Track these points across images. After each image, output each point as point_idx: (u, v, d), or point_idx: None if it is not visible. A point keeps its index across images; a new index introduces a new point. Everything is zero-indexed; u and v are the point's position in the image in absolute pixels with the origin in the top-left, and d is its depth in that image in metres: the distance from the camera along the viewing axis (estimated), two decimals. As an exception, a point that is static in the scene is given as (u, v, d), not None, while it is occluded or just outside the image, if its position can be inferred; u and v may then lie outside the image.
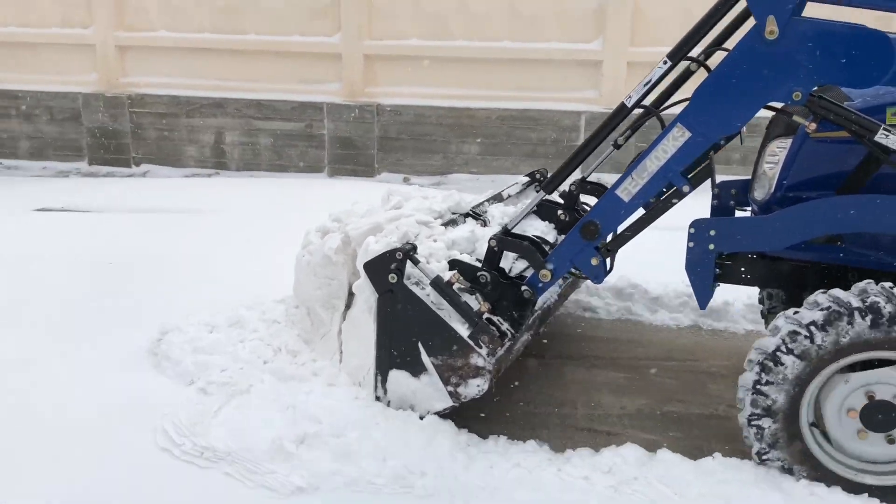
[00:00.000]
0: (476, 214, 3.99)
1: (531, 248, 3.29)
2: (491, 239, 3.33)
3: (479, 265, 3.32)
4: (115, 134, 8.79)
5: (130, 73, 8.70)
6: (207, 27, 8.49)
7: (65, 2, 8.65)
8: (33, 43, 8.79)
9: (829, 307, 2.73)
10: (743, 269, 3.29)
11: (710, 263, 3.05)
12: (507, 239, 3.34)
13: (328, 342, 3.66)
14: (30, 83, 8.84)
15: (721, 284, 3.34)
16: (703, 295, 3.11)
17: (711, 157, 3.23)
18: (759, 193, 3.21)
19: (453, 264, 3.35)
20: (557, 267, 3.22)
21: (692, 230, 3.05)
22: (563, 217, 3.96)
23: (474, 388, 3.21)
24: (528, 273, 3.30)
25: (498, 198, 4.25)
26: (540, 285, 3.24)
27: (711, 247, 3.03)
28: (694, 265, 3.07)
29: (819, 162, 3.04)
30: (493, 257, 3.34)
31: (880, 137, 2.70)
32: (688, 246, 3.06)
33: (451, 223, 3.85)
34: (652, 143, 2.99)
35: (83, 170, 8.79)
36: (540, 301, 3.57)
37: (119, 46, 8.62)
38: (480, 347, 3.15)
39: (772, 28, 2.67)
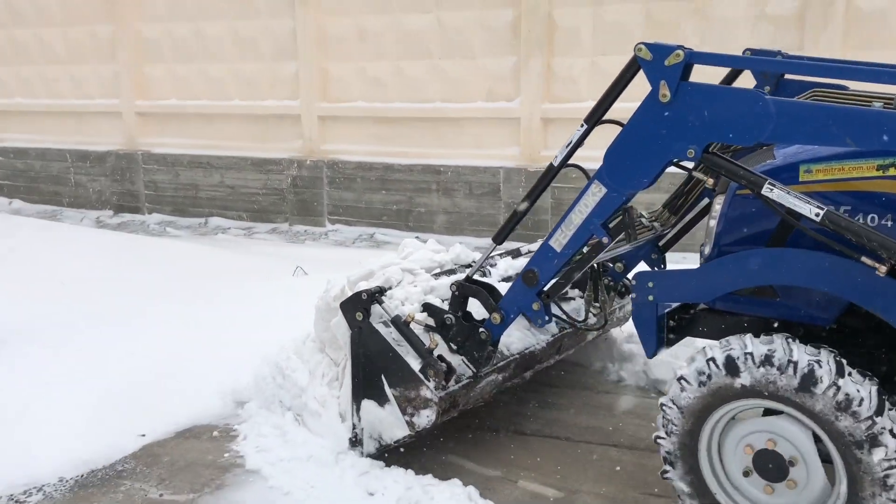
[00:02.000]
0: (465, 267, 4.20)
1: (484, 293, 3.58)
2: (452, 285, 3.66)
3: (460, 314, 3.63)
4: (534, 210, 8.37)
5: (552, 146, 8.39)
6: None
7: (491, 76, 8.61)
8: (458, 118, 8.87)
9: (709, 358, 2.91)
10: (698, 323, 3.40)
11: (651, 313, 3.20)
12: (465, 285, 3.63)
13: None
14: (452, 158, 8.92)
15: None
16: (648, 344, 3.26)
17: (628, 209, 3.44)
18: (706, 248, 3.30)
19: (425, 307, 3.70)
20: (507, 310, 3.51)
21: (634, 282, 3.21)
22: None
23: (425, 418, 3.50)
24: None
25: (516, 253, 4.53)
26: (495, 327, 3.53)
27: (651, 298, 3.17)
28: (637, 316, 3.23)
29: (747, 217, 3.14)
30: (455, 302, 3.65)
31: (766, 191, 2.80)
32: (631, 297, 3.26)
33: (450, 272, 4.09)
34: (576, 198, 3.20)
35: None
36: (520, 346, 3.94)
37: (544, 119, 8.35)
38: (428, 381, 3.45)
39: (664, 92, 2.89)
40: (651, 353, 3.30)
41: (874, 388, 2.66)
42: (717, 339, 3.07)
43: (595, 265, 3.93)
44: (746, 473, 2.98)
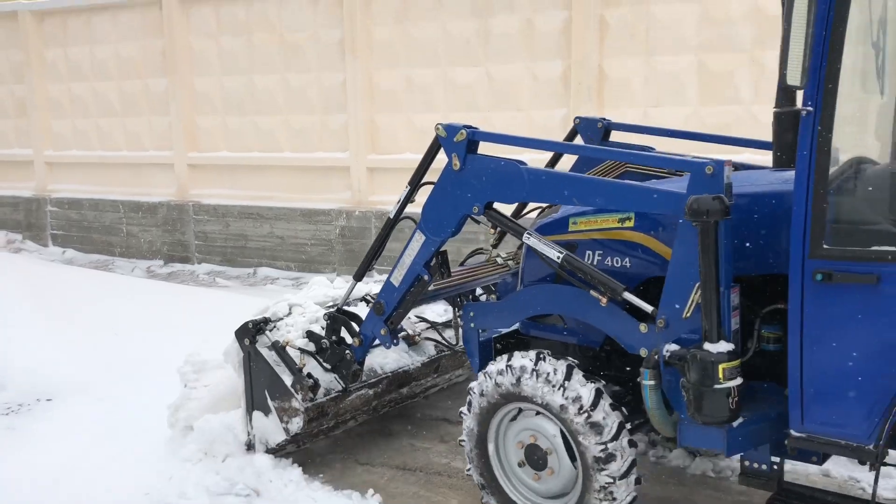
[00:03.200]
0: (370, 299, 4.70)
1: (347, 321, 4.37)
2: (324, 315, 4.46)
3: (337, 338, 4.39)
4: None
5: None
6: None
7: (539, 127, 8.57)
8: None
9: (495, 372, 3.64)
10: (516, 347, 3.94)
11: (475, 338, 4.02)
12: (334, 314, 4.40)
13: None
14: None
15: None
16: (474, 363, 4.04)
17: (443, 252, 4.07)
18: (520, 286, 4.05)
19: (308, 334, 4.45)
20: (364, 335, 4.27)
21: (462, 311, 4.07)
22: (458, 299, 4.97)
23: (295, 425, 4.24)
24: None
25: None
26: (357, 349, 4.30)
27: (473, 325, 4.01)
28: (465, 340, 4.10)
29: (538, 261, 3.81)
30: (329, 329, 4.40)
31: (525, 239, 3.64)
32: (462, 324, 4.11)
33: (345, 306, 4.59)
34: (406, 243, 4.02)
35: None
36: (395, 366, 4.71)
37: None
38: (297, 394, 4.21)
39: (455, 162, 3.78)
40: (477, 371, 3.96)
41: (593, 388, 3.43)
42: None
43: (457, 296, 4.87)
44: (521, 464, 3.76)
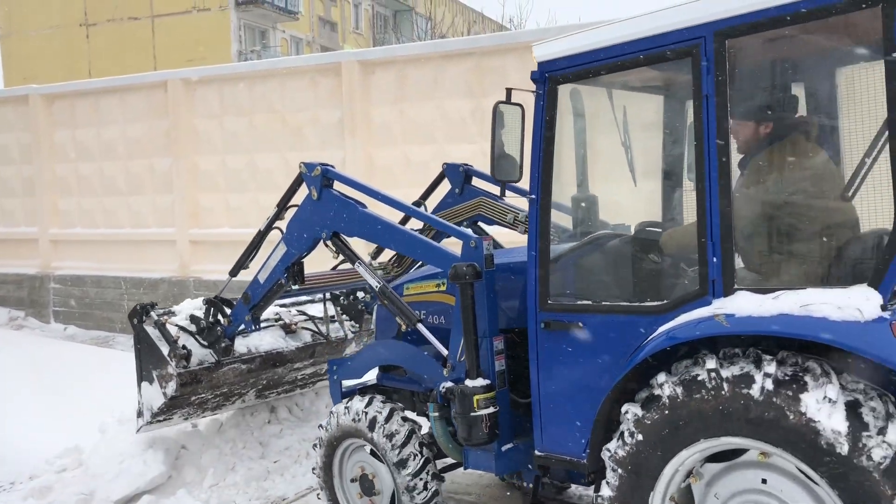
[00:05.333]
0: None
1: (221, 306, 5.20)
2: (203, 301, 5.31)
3: (213, 320, 5.21)
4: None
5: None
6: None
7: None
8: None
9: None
10: (380, 393, 4.55)
11: (338, 388, 4.73)
12: (212, 300, 5.25)
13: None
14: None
15: None
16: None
17: (301, 263, 4.76)
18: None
19: (191, 317, 5.28)
20: (234, 318, 5.12)
21: (328, 366, 4.83)
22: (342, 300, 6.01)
23: (171, 388, 4.99)
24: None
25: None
26: (227, 328, 5.14)
27: (336, 377, 4.74)
28: (331, 390, 4.80)
29: (385, 319, 4.70)
30: (208, 312, 5.23)
31: (357, 266, 4.46)
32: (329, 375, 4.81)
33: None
34: (272, 250, 4.78)
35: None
36: (268, 347, 5.46)
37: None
38: (172, 360, 4.97)
39: (314, 193, 4.52)
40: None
41: (408, 429, 4.12)
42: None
43: (339, 295, 5.89)
44: (354, 484, 4.41)
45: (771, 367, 2.76)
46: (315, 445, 4.60)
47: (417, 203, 5.50)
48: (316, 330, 5.80)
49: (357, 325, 6.01)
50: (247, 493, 5.20)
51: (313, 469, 4.65)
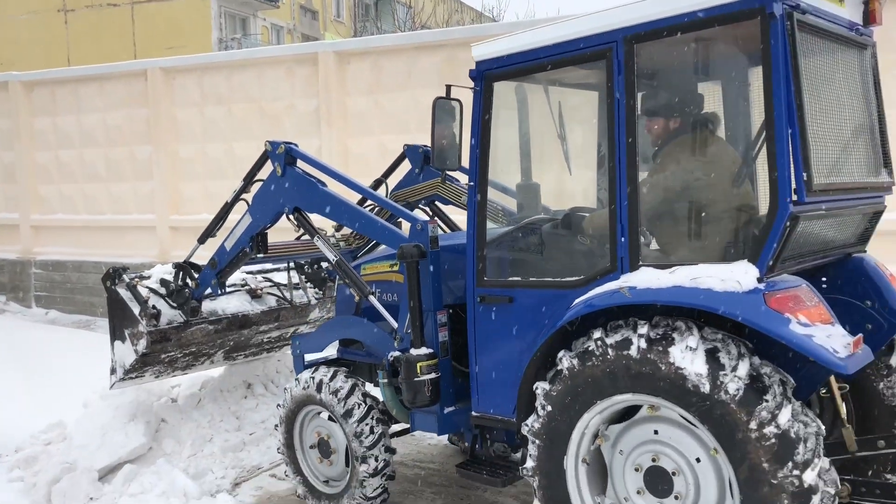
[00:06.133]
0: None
1: (189, 270, 5.55)
2: (173, 265, 5.63)
3: (182, 283, 5.53)
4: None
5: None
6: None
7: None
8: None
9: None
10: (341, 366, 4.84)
11: (301, 362, 5.11)
12: (181, 264, 5.59)
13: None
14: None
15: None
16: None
17: (265, 233, 5.12)
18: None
19: (161, 281, 5.57)
20: (201, 281, 5.46)
21: (291, 342, 5.25)
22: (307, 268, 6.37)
23: (142, 346, 5.31)
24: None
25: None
26: (195, 290, 5.50)
27: (299, 351, 5.13)
28: (294, 364, 5.19)
29: (344, 295, 5.08)
30: (177, 276, 5.56)
31: (315, 240, 4.86)
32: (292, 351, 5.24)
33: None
34: (238, 220, 5.14)
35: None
36: (234, 310, 5.81)
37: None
38: (142, 319, 5.31)
39: (278, 169, 4.83)
40: None
41: (367, 405, 4.49)
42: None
43: (304, 263, 6.24)
44: (313, 449, 4.76)
45: (644, 329, 3.16)
46: (276, 426, 4.97)
47: (378, 182, 5.80)
48: (280, 295, 6.15)
49: (320, 292, 6.36)
50: (223, 462, 5.50)
51: (278, 449, 5.00)
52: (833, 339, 2.93)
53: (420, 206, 5.75)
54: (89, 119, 11.94)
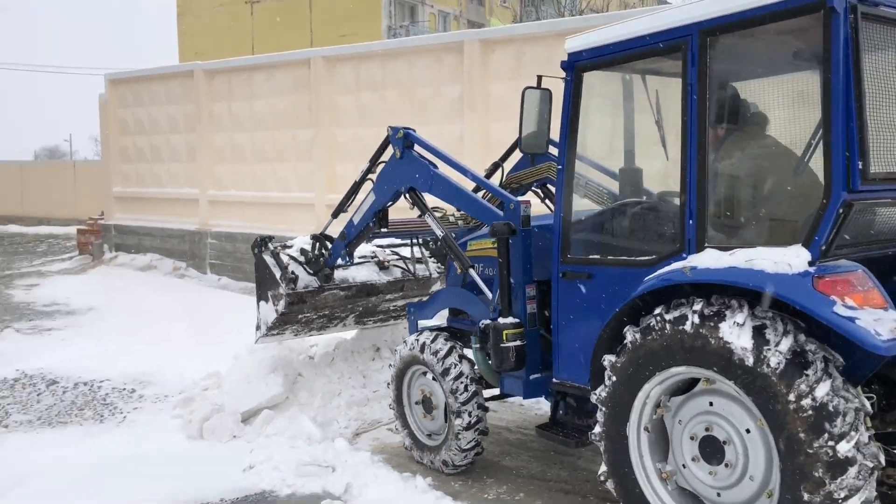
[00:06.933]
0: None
1: (324, 241, 6.22)
2: (310, 236, 6.32)
3: (318, 252, 6.20)
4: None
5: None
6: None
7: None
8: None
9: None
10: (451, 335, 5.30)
11: (415, 327, 5.70)
12: (317, 235, 6.27)
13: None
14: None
15: None
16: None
17: (386, 210, 5.69)
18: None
19: (301, 250, 6.25)
20: (333, 251, 6.11)
21: (407, 308, 5.90)
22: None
23: (281, 305, 6.00)
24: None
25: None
26: (328, 259, 6.12)
27: (413, 317, 5.76)
28: (409, 328, 5.77)
29: (451, 268, 5.63)
30: (314, 246, 6.22)
31: (426, 217, 5.36)
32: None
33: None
34: (364, 198, 5.72)
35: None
36: (363, 279, 6.40)
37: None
38: (282, 283, 5.97)
39: (396, 153, 5.38)
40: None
41: (464, 366, 4.92)
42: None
43: (429, 240, 6.62)
44: (418, 405, 5.25)
45: (699, 306, 3.35)
46: (388, 384, 5.51)
47: (496, 165, 6.15)
48: (405, 268, 6.72)
49: (442, 267, 6.82)
50: (347, 414, 6.13)
51: (389, 404, 5.53)
52: (880, 323, 3.01)
53: (533, 188, 6.07)
54: (260, 104, 13.12)
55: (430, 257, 6.87)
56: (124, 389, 7.25)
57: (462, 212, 6.27)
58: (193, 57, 33.30)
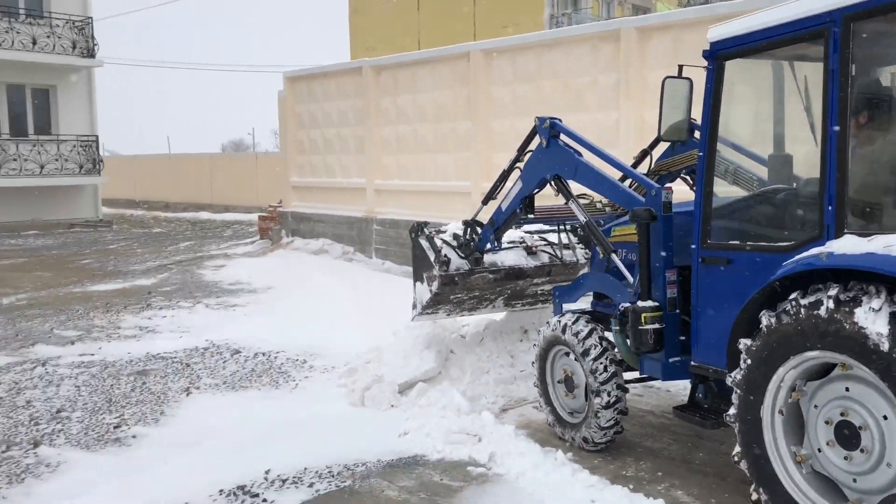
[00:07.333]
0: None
1: (475, 226, 6.55)
2: (462, 222, 6.63)
3: (469, 237, 6.56)
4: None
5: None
6: None
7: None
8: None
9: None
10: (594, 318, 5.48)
11: (559, 310, 5.98)
12: (468, 221, 6.58)
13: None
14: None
15: None
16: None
17: (532, 196, 5.99)
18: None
19: (453, 235, 6.66)
20: (482, 236, 6.46)
21: (552, 292, 6.24)
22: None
23: (435, 286, 6.43)
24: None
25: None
26: (478, 244, 6.49)
27: (557, 300, 6.05)
28: (554, 311, 6.06)
29: (595, 253, 5.80)
30: (464, 231, 6.59)
31: (570, 203, 5.58)
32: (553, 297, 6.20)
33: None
34: (513, 185, 6.04)
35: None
36: (511, 263, 6.70)
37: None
38: (435, 265, 6.43)
39: (543, 141, 5.63)
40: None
41: (603, 345, 5.11)
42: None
43: (577, 227, 6.71)
44: (560, 384, 5.49)
45: (834, 291, 3.36)
46: (532, 363, 5.78)
47: (644, 152, 6.23)
48: (553, 253, 6.95)
49: (589, 253, 6.94)
50: (495, 391, 6.47)
51: (534, 383, 5.79)
52: None
53: (682, 175, 6.11)
54: (422, 98, 13.73)
55: (578, 243, 7.06)
56: (297, 360, 7.99)
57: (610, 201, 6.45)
58: (364, 52, 34.93)
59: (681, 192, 5.47)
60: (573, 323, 5.29)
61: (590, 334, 5.17)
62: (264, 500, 4.69)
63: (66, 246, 19.52)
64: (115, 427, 6.09)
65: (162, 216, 30.49)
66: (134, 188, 37.64)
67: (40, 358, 8.19)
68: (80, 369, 7.74)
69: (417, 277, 6.78)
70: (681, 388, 6.41)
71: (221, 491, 4.82)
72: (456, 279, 6.48)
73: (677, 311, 4.74)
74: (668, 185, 5.31)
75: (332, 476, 5.03)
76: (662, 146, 6.42)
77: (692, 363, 4.52)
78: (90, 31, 24.40)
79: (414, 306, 6.87)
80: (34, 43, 22.93)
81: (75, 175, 24.24)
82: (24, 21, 23.29)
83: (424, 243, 6.66)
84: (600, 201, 6.42)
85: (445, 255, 6.48)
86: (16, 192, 23.40)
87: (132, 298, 11.68)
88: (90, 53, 24.32)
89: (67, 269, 15.33)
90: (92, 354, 8.34)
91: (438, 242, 6.62)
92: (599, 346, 5.12)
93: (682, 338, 4.74)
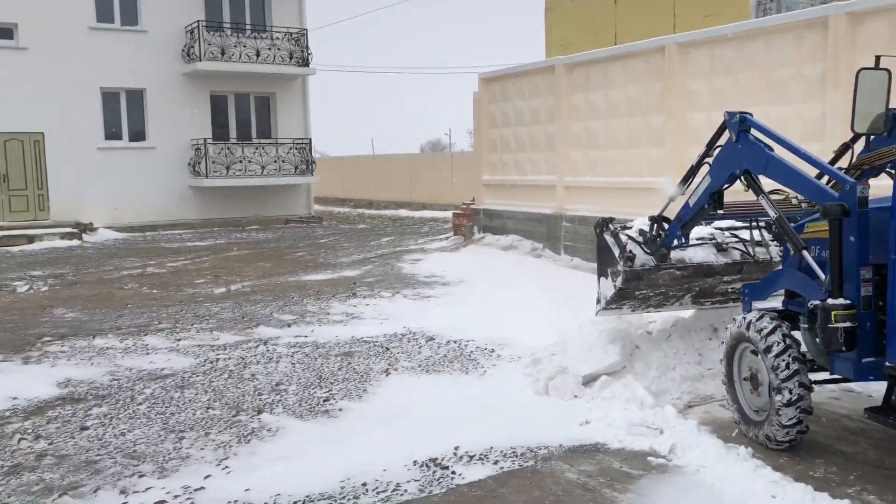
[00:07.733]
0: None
1: (661, 222, 6.67)
2: (649, 218, 6.78)
3: (655, 233, 6.67)
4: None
5: None
6: None
7: None
8: None
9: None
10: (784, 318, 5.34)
11: (749, 308, 5.70)
12: (654, 217, 6.73)
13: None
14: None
15: None
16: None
17: (721, 193, 5.92)
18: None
19: (639, 231, 6.78)
20: (669, 233, 6.52)
21: (742, 289, 5.95)
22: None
23: (619, 281, 6.58)
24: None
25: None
26: (664, 239, 6.53)
27: (746, 298, 5.80)
28: (743, 308, 5.79)
29: (786, 251, 5.67)
30: (651, 227, 6.73)
31: (761, 199, 5.42)
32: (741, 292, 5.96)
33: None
34: (700, 181, 6.04)
35: None
36: (700, 260, 6.70)
37: None
38: (620, 260, 6.54)
39: (732, 136, 5.58)
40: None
41: (787, 343, 4.99)
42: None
43: (771, 223, 6.15)
44: (746, 381, 5.44)
45: None
46: (720, 360, 5.74)
47: (846, 146, 5.94)
48: (745, 251, 6.78)
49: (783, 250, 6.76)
50: (680, 388, 6.47)
51: (722, 380, 5.74)
52: None
53: (887, 169, 5.79)
54: (614, 93, 13.70)
55: (773, 240, 6.86)
56: (485, 349, 8.39)
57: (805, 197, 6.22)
58: (559, 50, 34.92)
59: (883, 186, 5.22)
60: (757, 320, 5.22)
61: (773, 331, 5.08)
62: (453, 473, 5.09)
63: (283, 240, 21.43)
64: (324, 400, 6.79)
65: (366, 213, 32.48)
66: (341, 187, 40.29)
67: (262, 338, 9.21)
68: (295, 349, 8.63)
69: (602, 273, 6.90)
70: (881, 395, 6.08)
71: (415, 462, 5.27)
72: (641, 275, 6.54)
73: (872, 310, 4.56)
74: (867, 180, 5.09)
75: (516, 456, 5.34)
76: (864, 140, 6.12)
77: (887, 364, 4.36)
78: (305, 42, 26.55)
79: (598, 301, 7.01)
80: (258, 55, 25.37)
81: (291, 175, 26.54)
82: (250, 35, 25.80)
83: (609, 239, 6.76)
84: (796, 197, 6.23)
85: (630, 251, 6.55)
86: (241, 190, 26.04)
87: (340, 288, 12.70)
88: (305, 62, 26.47)
89: (284, 260, 16.87)
90: (305, 336, 9.24)
91: (624, 238, 6.70)
92: (782, 343, 5.02)
93: (877, 338, 4.56)
